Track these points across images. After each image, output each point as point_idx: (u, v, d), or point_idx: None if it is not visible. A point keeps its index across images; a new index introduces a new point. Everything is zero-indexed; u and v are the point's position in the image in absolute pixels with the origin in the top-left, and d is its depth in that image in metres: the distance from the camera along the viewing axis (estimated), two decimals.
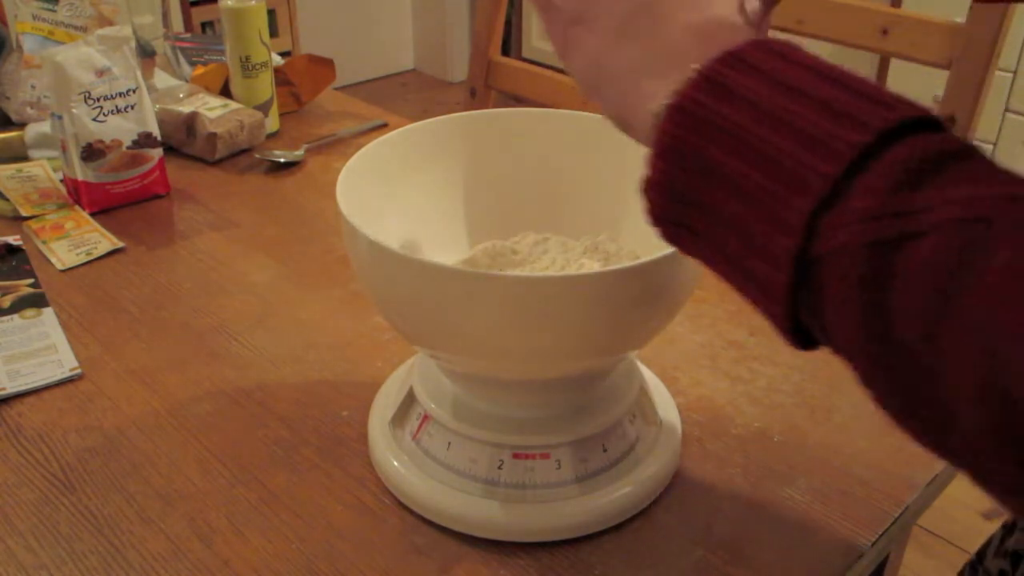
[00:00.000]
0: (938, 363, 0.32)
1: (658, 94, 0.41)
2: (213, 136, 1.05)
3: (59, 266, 0.87)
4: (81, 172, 0.94)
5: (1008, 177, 0.33)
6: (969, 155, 0.34)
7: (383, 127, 1.18)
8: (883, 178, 0.33)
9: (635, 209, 0.67)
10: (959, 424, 0.32)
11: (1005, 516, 0.63)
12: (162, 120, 1.04)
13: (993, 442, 0.32)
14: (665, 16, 0.43)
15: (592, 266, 0.62)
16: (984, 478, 0.34)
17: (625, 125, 0.45)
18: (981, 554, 0.61)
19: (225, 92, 1.16)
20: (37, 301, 0.81)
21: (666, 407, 0.65)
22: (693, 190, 0.39)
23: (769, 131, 0.36)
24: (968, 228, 0.31)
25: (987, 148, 2.30)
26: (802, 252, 0.35)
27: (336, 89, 1.29)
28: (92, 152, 0.94)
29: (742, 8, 0.51)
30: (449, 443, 0.59)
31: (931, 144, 0.34)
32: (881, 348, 0.34)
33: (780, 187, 0.36)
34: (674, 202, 0.40)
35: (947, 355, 0.31)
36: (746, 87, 0.37)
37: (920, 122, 0.35)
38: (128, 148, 0.96)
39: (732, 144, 0.37)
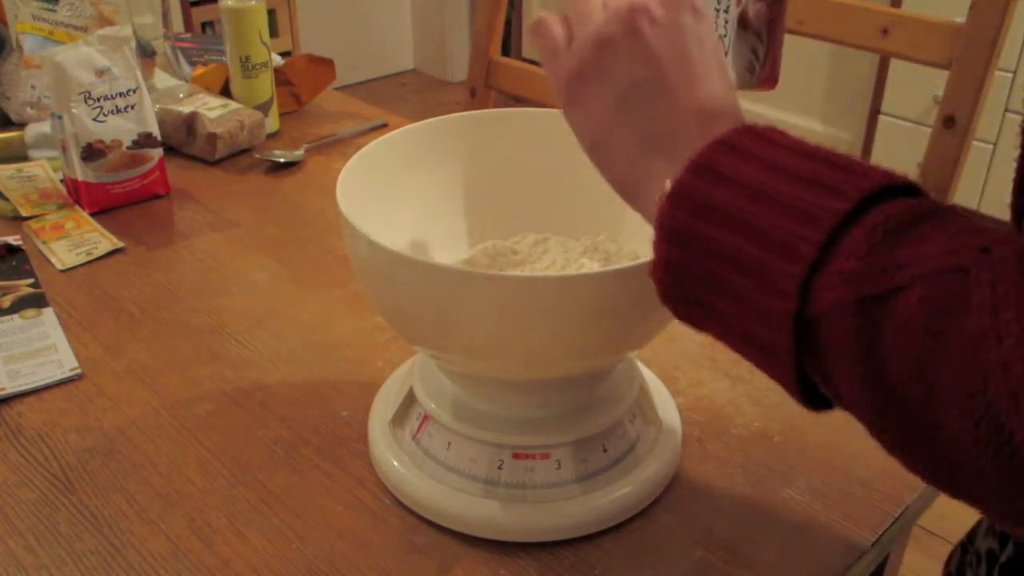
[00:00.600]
0: (934, 405, 0.34)
1: (662, 176, 0.43)
2: (213, 136, 1.05)
3: (59, 266, 0.87)
4: (81, 172, 0.94)
5: (978, 230, 0.36)
6: (941, 214, 0.37)
7: (383, 127, 1.18)
8: (865, 240, 0.36)
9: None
10: (964, 464, 0.34)
11: None
12: (162, 120, 1.04)
13: (997, 478, 0.33)
14: (672, 91, 0.45)
15: (592, 266, 0.62)
16: (998, 513, 0.36)
17: (627, 196, 0.47)
18: (971, 535, 0.62)
19: (225, 92, 1.16)
20: (37, 301, 0.81)
21: (666, 407, 0.65)
22: (696, 268, 0.42)
23: (760, 207, 0.39)
24: (947, 278, 0.34)
25: (987, 148, 2.30)
26: (799, 314, 0.38)
27: (336, 89, 1.29)
28: (92, 152, 0.94)
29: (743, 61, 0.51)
30: (449, 443, 0.59)
31: (906, 207, 0.37)
32: (881, 397, 0.36)
33: (773, 257, 0.38)
34: (680, 280, 0.43)
35: (940, 397, 0.33)
36: (737, 170, 0.40)
37: (895, 187, 0.38)
38: (128, 148, 0.96)
39: (728, 223, 0.40)
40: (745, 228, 0.39)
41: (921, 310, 0.34)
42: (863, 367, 0.36)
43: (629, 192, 0.47)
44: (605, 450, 0.59)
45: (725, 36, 0.54)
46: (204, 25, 2.76)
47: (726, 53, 0.54)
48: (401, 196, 0.64)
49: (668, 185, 0.42)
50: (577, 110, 0.48)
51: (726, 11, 0.53)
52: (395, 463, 0.60)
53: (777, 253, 0.38)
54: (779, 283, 0.38)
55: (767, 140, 0.41)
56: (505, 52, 2.95)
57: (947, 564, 0.64)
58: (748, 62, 0.57)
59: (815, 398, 0.41)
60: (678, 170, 0.42)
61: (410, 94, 3.66)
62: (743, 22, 0.55)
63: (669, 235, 0.42)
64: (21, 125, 1.10)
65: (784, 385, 0.41)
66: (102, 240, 0.91)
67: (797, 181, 0.39)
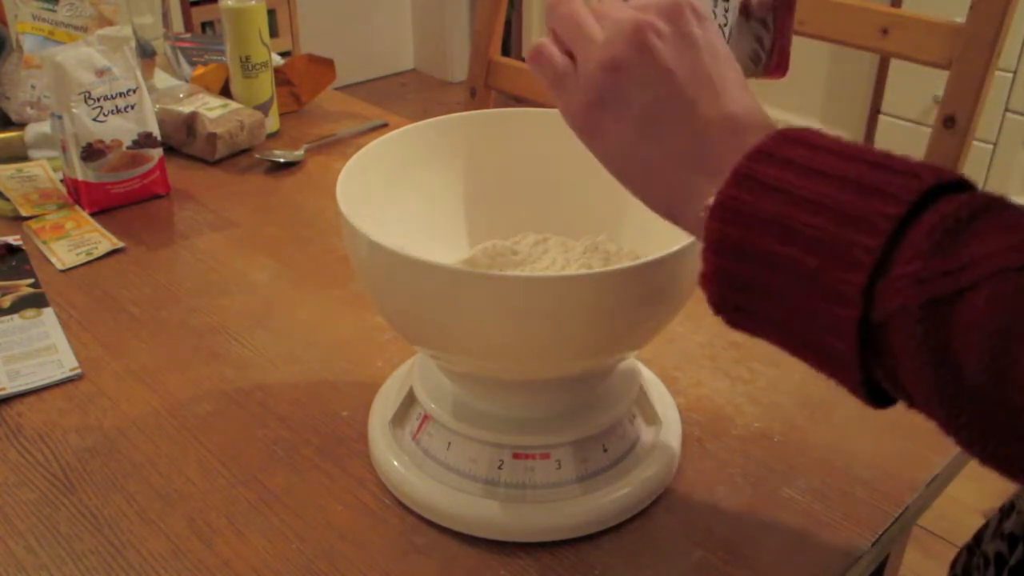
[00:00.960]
0: (1017, 402, 0.34)
1: (702, 191, 0.43)
2: (213, 136, 1.05)
3: (59, 266, 0.87)
4: (81, 172, 0.94)
5: None
6: (997, 208, 0.37)
7: (383, 127, 1.18)
8: (925, 241, 0.36)
9: (635, 209, 0.66)
10: None
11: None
12: (162, 120, 1.04)
13: None
14: (693, 105, 0.44)
15: (592, 266, 0.62)
16: None
17: (668, 216, 0.46)
18: (979, 537, 0.62)
19: (225, 92, 1.16)
20: (37, 301, 0.81)
21: (666, 407, 0.65)
22: (749, 279, 0.41)
23: (810, 216, 0.39)
24: (1013, 276, 0.34)
25: (987, 148, 2.29)
26: (863, 320, 0.37)
27: (336, 89, 1.29)
28: (92, 152, 0.94)
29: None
30: (449, 443, 0.59)
31: (961, 204, 0.36)
32: (956, 397, 0.36)
33: (831, 265, 0.38)
34: (733, 291, 0.42)
35: (1021, 392, 0.33)
36: (779, 178, 0.40)
37: (945, 185, 0.38)
38: (128, 148, 0.96)
39: (778, 232, 0.39)
40: (796, 237, 0.39)
41: (990, 310, 0.34)
42: (934, 369, 0.36)
43: (670, 212, 0.46)
44: (605, 450, 0.59)
45: (726, 25, 0.53)
46: (204, 25, 2.76)
47: (727, 43, 0.54)
48: (401, 196, 0.64)
49: (711, 200, 0.41)
50: (598, 139, 0.47)
51: (726, 0, 0.53)
52: (395, 463, 0.60)
53: (834, 261, 0.38)
54: (840, 291, 0.38)
55: (805, 144, 0.41)
56: (505, 52, 2.95)
57: (952, 566, 0.64)
58: (752, 52, 0.56)
59: (878, 397, 0.41)
60: (718, 183, 0.41)
61: (410, 94, 3.67)
62: (746, 10, 0.54)
63: (717, 247, 0.41)
64: (21, 125, 1.10)
65: (848, 388, 0.41)
66: (102, 240, 0.91)
67: (844, 185, 0.38)
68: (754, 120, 0.44)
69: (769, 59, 0.56)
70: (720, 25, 0.53)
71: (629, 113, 0.45)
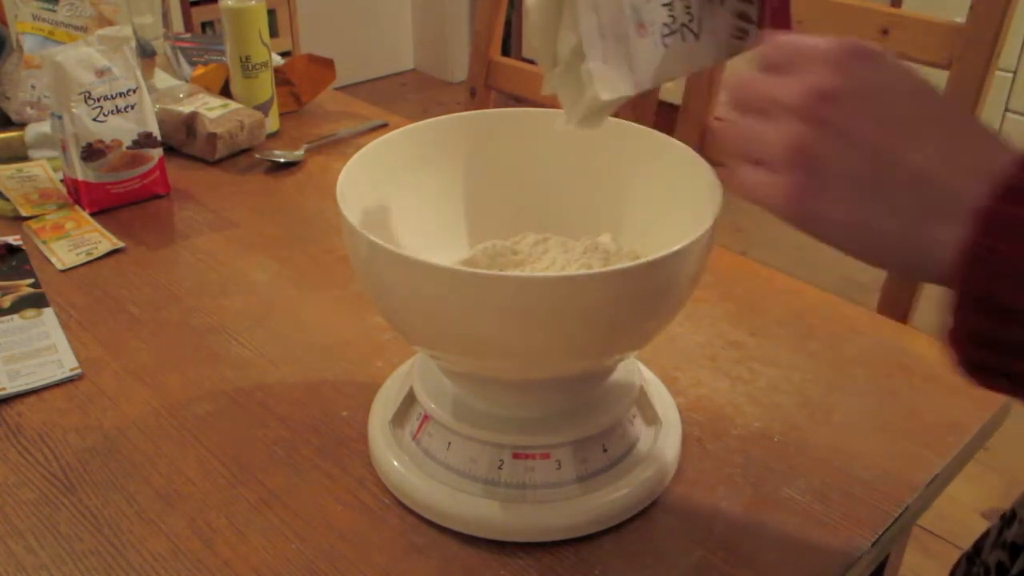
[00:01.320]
0: None
1: (945, 239, 0.38)
2: (213, 136, 1.05)
3: (59, 266, 0.87)
4: (81, 172, 0.94)
5: None
6: None
7: (383, 127, 1.18)
8: None
9: (635, 209, 0.67)
10: None
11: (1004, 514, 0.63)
12: (162, 120, 1.04)
13: None
14: (904, 155, 0.40)
15: (592, 266, 0.62)
16: None
17: (905, 273, 0.42)
18: (979, 546, 0.61)
19: (225, 92, 1.16)
20: (37, 301, 0.81)
21: (666, 407, 0.65)
22: (1008, 338, 0.37)
23: None
24: None
25: None
26: None
27: (336, 89, 1.29)
28: (92, 152, 0.94)
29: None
30: (449, 443, 0.59)
31: None
32: None
33: None
34: (988, 351, 0.38)
35: None
36: None
37: None
38: (128, 148, 0.96)
39: None
40: None
41: None
42: None
43: (906, 268, 0.41)
44: (605, 450, 0.59)
45: (692, 20, 0.51)
46: (204, 25, 2.76)
47: (697, 36, 0.51)
48: (401, 196, 0.64)
49: (957, 249, 0.37)
50: (821, 226, 0.42)
51: None
52: (395, 463, 0.60)
53: None
54: None
55: None
56: (505, 52, 2.95)
57: (952, 575, 0.64)
58: (735, 29, 0.52)
59: None
60: (961, 229, 0.37)
61: (410, 94, 3.67)
62: None
63: (971, 301, 0.37)
64: (21, 125, 1.10)
65: None
66: (102, 240, 0.91)
67: None
68: (974, 147, 0.39)
69: (761, 25, 0.52)
70: (682, 24, 0.50)
71: (838, 190, 0.41)
